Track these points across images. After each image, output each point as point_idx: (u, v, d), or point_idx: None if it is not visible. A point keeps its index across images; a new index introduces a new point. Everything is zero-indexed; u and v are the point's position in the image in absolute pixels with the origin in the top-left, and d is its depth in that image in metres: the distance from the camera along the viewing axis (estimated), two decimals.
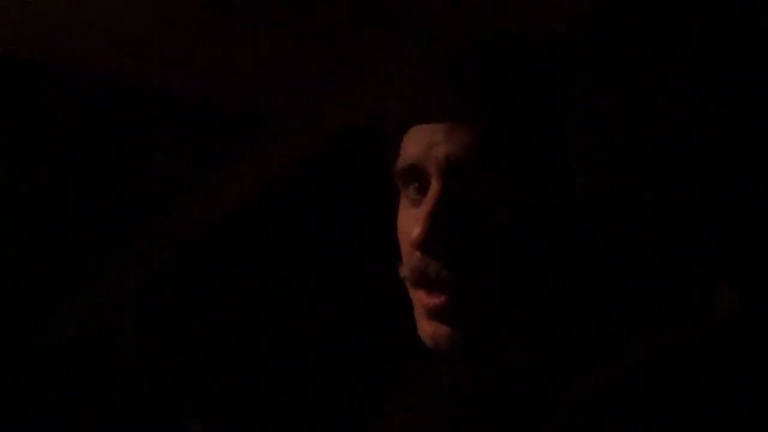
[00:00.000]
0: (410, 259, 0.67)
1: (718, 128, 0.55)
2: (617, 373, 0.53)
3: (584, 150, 0.64)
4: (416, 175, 0.67)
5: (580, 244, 0.64)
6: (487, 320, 0.65)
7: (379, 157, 0.76)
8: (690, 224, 0.57)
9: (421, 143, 0.66)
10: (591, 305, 0.64)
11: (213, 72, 1.32)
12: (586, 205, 0.63)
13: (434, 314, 0.66)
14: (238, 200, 1.39)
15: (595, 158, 0.64)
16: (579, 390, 0.54)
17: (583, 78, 0.66)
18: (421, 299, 0.67)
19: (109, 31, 1.18)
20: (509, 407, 0.61)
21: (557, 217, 0.64)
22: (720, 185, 0.55)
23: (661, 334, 0.55)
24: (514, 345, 0.64)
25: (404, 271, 0.69)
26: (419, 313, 0.68)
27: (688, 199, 0.57)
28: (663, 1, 0.60)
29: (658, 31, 0.60)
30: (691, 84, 0.57)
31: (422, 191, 0.67)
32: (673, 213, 0.58)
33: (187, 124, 1.41)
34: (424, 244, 0.64)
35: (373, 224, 0.82)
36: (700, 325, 0.55)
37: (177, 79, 1.33)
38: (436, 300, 0.65)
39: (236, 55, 1.28)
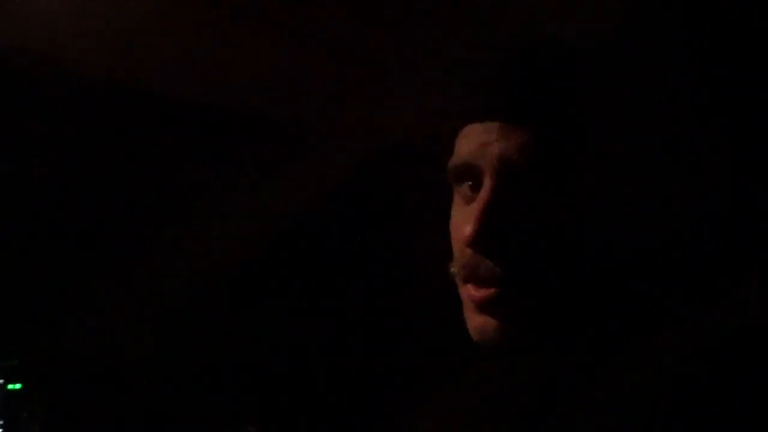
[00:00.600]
0: (462, 256, 0.68)
1: (747, 133, 0.56)
2: (652, 371, 0.54)
3: (630, 153, 0.66)
4: (469, 173, 0.68)
5: (625, 245, 0.66)
6: (534, 315, 0.65)
7: (422, 160, 0.78)
8: (710, 225, 0.58)
9: (475, 142, 0.67)
10: (632, 304, 0.65)
11: (252, 83, 1.34)
12: (627, 207, 0.65)
13: (483, 307, 0.66)
14: (282, 207, 1.41)
15: (641, 161, 0.66)
16: (612, 388, 0.55)
17: (634, 83, 0.68)
18: (470, 293, 0.67)
19: (152, 42, 1.21)
20: (545, 404, 0.62)
21: (603, 218, 0.64)
22: (742, 186, 0.55)
23: (690, 334, 0.56)
24: (558, 341, 0.65)
25: (455, 268, 0.69)
26: (468, 308, 0.68)
27: (708, 201, 0.57)
28: (685, 8, 0.62)
29: (683, 35, 0.61)
30: (713, 87, 0.57)
31: (475, 189, 0.67)
32: (712, 215, 0.59)
33: (228, 136, 1.42)
34: (475, 242, 0.64)
35: (412, 226, 0.83)
36: (733, 325, 0.56)
37: (215, 90, 1.35)
38: (485, 293, 0.65)
39: (273, 66, 1.30)
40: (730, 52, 0.59)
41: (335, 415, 1.32)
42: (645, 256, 0.66)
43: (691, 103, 0.59)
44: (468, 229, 0.64)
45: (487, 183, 0.65)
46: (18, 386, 1.25)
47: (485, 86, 0.69)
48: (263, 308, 1.42)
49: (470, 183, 0.68)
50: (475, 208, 0.65)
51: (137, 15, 1.17)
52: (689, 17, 0.64)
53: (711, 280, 0.62)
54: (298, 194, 1.44)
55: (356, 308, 1.41)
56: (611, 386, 0.56)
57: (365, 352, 1.37)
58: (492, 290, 0.65)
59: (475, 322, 0.67)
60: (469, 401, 0.71)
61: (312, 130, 1.46)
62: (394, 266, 1.38)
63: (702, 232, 0.60)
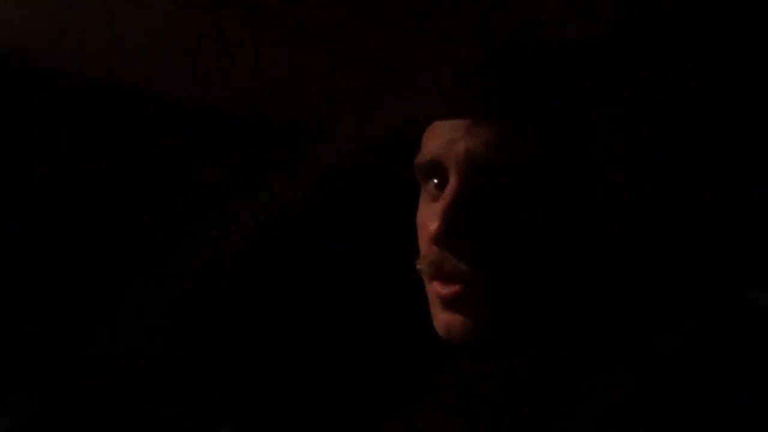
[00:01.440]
0: (428, 253, 0.68)
1: (741, 131, 0.56)
2: (629, 372, 0.54)
3: (607, 152, 0.65)
4: (436, 170, 0.68)
5: (597, 244, 0.66)
6: (501, 312, 0.65)
7: (402, 160, 0.78)
8: (710, 225, 0.58)
9: (442, 139, 0.67)
10: (606, 304, 0.65)
11: (252, 83, 1.35)
12: (607, 205, 0.64)
13: (449, 304, 0.66)
14: (272, 210, 1.41)
15: (618, 161, 0.66)
16: (591, 389, 0.55)
17: (606, 81, 0.68)
18: (436, 289, 0.67)
19: (163, 44, 1.22)
20: (522, 405, 0.62)
21: (575, 217, 0.64)
22: (742, 187, 0.55)
23: (672, 334, 0.55)
24: (527, 340, 0.65)
25: (421, 265, 0.70)
26: (434, 305, 0.69)
27: (707, 201, 0.57)
28: (686, 6, 0.61)
29: (681, 35, 0.60)
30: (713, 88, 0.57)
31: (441, 187, 0.68)
32: (693, 215, 0.59)
33: (228, 136, 1.42)
34: (440, 239, 0.64)
35: (391, 225, 0.83)
36: (733, 325, 0.55)
37: (215, 90, 1.35)
38: (450, 290, 0.66)
39: (274, 66, 1.30)
40: (727, 52, 0.59)
41: (314, 416, 1.32)
42: (613, 253, 0.65)
43: (689, 103, 0.59)
44: (433, 226, 0.65)
45: (453, 180, 0.66)
46: None
47: (453, 84, 0.69)
48: (247, 310, 1.42)
49: (436, 180, 0.69)
50: (440, 205, 0.65)
51: (137, 15, 1.17)
52: (683, 15, 0.63)
53: (711, 280, 0.62)
54: (297, 194, 1.44)
55: (350, 309, 1.41)
56: (596, 388, 0.55)
57: (350, 352, 1.37)
58: (457, 287, 0.65)
59: (442, 318, 0.68)
60: (450, 403, 0.71)
61: (312, 130, 1.46)
62: (393, 267, 1.38)
63: (699, 231, 0.60)
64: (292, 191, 1.43)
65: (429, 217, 0.69)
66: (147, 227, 1.35)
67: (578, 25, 0.96)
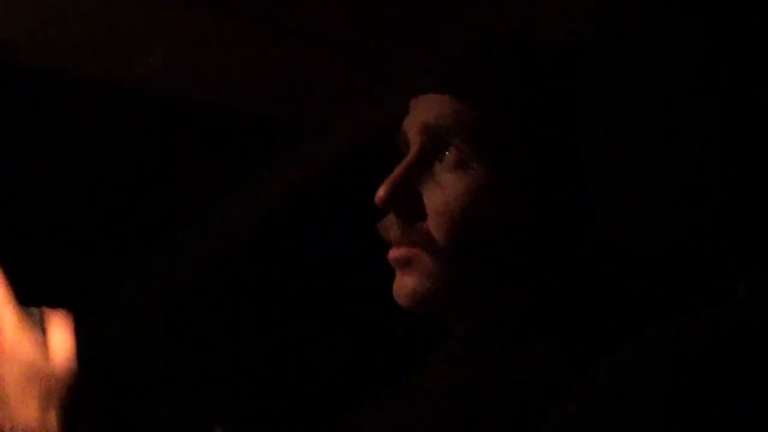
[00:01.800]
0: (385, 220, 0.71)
1: (733, 131, 0.56)
2: (627, 371, 0.54)
3: (606, 152, 0.65)
4: (406, 142, 0.72)
5: (596, 243, 0.66)
6: (444, 278, 0.67)
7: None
8: (710, 225, 0.57)
9: (410, 113, 0.72)
10: (604, 303, 0.65)
11: (252, 83, 1.35)
12: (605, 205, 0.64)
13: (396, 266, 0.69)
14: (270, 209, 1.41)
15: (616, 160, 0.66)
16: (588, 389, 0.55)
17: (603, 80, 0.68)
18: (389, 254, 0.70)
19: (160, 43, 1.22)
20: (518, 405, 0.62)
21: (526, 197, 0.66)
22: (742, 187, 0.55)
23: (671, 333, 0.55)
24: (513, 336, 0.65)
25: (381, 232, 0.72)
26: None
27: (707, 201, 0.57)
28: (685, 6, 0.61)
29: (680, 34, 0.60)
30: (713, 87, 0.57)
31: None
32: (692, 214, 0.59)
33: (228, 136, 1.43)
34: (383, 202, 0.68)
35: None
36: (732, 325, 0.55)
37: (215, 90, 1.36)
38: (397, 252, 0.68)
39: (274, 66, 1.31)
40: (727, 52, 0.59)
41: (310, 415, 1.32)
42: (619, 256, 0.66)
43: (688, 102, 0.59)
44: (379, 191, 0.67)
45: (412, 149, 0.69)
46: None
47: (428, 66, 0.73)
48: (246, 310, 1.42)
49: (408, 152, 0.72)
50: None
51: (137, 15, 1.17)
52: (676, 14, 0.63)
53: (711, 280, 0.62)
54: (296, 193, 1.44)
55: (348, 308, 1.41)
56: (594, 388, 0.55)
57: (347, 351, 1.38)
58: (401, 250, 0.68)
59: (395, 282, 0.70)
60: (448, 403, 0.71)
61: (312, 130, 1.46)
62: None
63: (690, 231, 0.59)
64: (292, 191, 1.43)
65: None
66: (146, 227, 1.35)
67: (577, 25, 0.96)
